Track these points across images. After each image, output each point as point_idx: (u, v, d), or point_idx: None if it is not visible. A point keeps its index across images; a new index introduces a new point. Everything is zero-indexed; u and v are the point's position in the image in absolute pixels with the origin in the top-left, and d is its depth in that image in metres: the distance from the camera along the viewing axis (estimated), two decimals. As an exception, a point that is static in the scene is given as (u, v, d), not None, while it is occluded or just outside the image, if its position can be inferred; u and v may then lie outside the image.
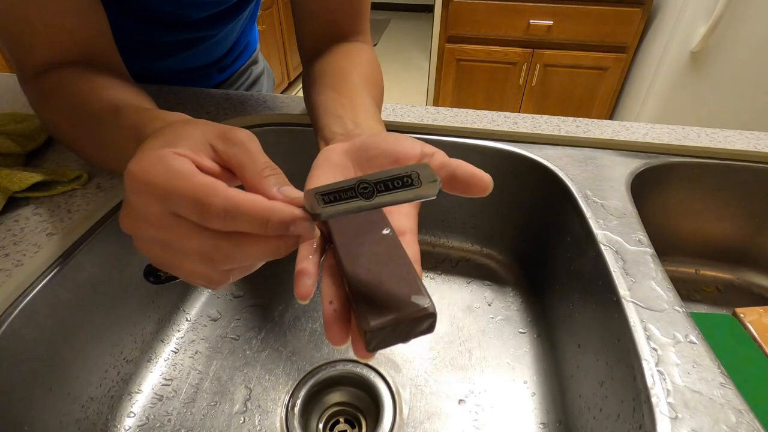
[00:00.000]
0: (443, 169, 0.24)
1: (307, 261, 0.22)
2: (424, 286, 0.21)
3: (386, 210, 0.26)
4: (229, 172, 0.23)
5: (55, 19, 0.36)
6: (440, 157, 0.26)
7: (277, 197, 0.20)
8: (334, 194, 0.19)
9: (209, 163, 0.23)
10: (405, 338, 0.20)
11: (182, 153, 0.21)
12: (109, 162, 0.35)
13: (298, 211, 0.19)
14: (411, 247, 0.24)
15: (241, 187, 0.22)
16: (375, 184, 0.18)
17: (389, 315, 0.19)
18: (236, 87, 0.72)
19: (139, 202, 0.21)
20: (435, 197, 0.17)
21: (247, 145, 0.23)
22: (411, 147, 0.27)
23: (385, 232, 0.24)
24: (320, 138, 0.35)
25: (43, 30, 0.36)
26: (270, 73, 0.81)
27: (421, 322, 0.20)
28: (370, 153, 0.29)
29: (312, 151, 0.57)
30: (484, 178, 0.23)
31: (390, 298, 0.20)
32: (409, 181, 0.17)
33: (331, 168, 0.29)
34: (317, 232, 0.21)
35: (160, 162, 0.20)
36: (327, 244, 0.24)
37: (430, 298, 0.20)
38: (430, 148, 0.27)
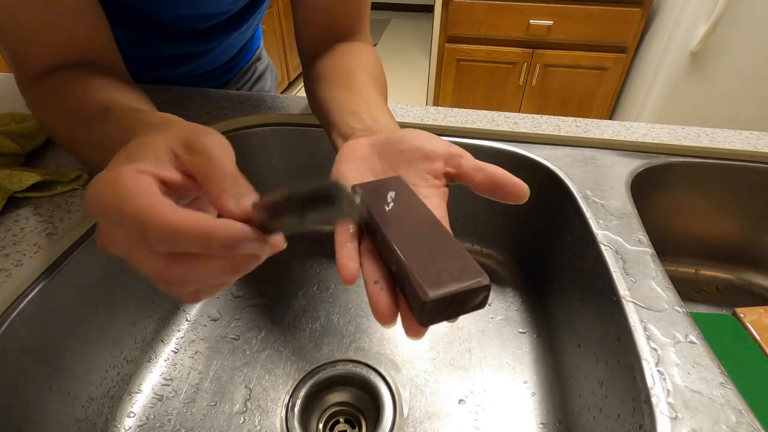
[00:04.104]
0: (480, 172, 0.25)
1: (347, 247, 0.22)
2: (474, 261, 0.20)
3: None
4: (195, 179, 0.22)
5: (55, 21, 0.36)
6: (471, 159, 0.27)
7: (233, 211, 0.20)
8: (274, 208, 0.18)
9: (173, 174, 0.22)
10: (458, 313, 0.20)
11: (143, 169, 0.21)
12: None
13: (243, 230, 0.19)
14: None
15: None
16: (302, 200, 0.17)
17: (447, 287, 0.19)
18: (240, 85, 0.71)
19: (103, 224, 0.21)
20: (355, 217, 0.16)
21: (213, 153, 0.21)
22: (439, 145, 0.28)
23: (424, 214, 0.24)
24: (336, 134, 0.35)
25: (43, 33, 0.36)
26: (273, 69, 0.81)
27: (477, 294, 0.20)
28: (399, 147, 0.29)
29: (313, 150, 0.57)
30: (524, 187, 0.24)
31: (444, 271, 0.20)
32: (331, 199, 0.16)
33: (357, 161, 0.29)
34: (278, 244, 0.21)
35: (111, 184, 0.20)
36: (363, 230, 0.25)
37: (483, 271, 0.20)
38: (456, 149, 0.28)
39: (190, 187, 0.23)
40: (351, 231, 0.24)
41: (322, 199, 0.16)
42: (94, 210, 0.21)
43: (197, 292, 0.22)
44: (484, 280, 0.19)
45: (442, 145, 0.28)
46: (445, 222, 0.25)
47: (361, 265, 0.23)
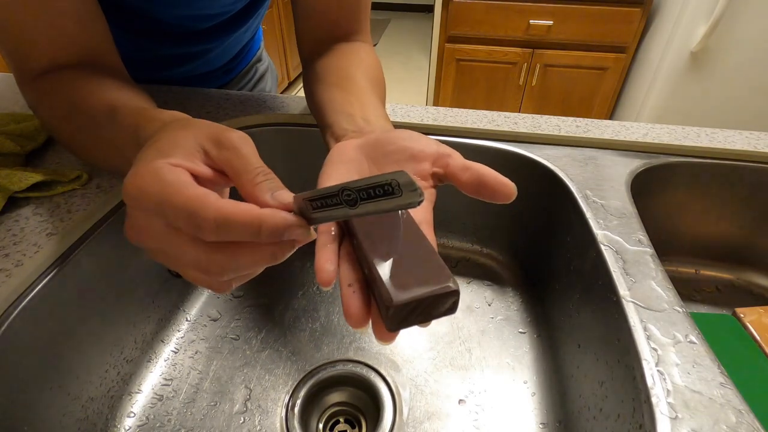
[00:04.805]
0: (467, 171, 0.25)
1: (327, 249, 0.22)
2: (446, 266, 0.20)
3: None
4: (225, 174, 0.23)
5: (54, 22, 0.36)
6: (459, 158, 0.27)
7: (270, 203, 0.20)
8: (320, 200, 0.19)
9: (204, 169, 0.23)
10: (427, 318, 0.20)
11: (177, 163, 0.22)
12: (108, 162, 0.35)
13: (290, 217, 0.19)
14: (428, 237, 0.24)
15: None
16: (357, 191, 0.17)
17: (413, 292, 0.19)
18: (241, 85, 0.72)
19: (138, 216, 0.22)
20: (417, 206, 0.16)
21: (240, 149, 0.22)
22: (427, 145, 0.28)
23: (403, 217, 0.24)
24: (329, 135, 0.36)
25: (42, 33, 0.36)
26: (273, 70, 0.81)
27: (445, 300, 0.20)
28: (386, 149, 0.29)
29: (313, 150, 0.57)
30: (510, 185, 0.24)
31: (413, 276, 0.20)
32: (390, 189, 0.16)
33: (344, 163, 0.29)
34: (314, 234, 0.21)
35: (153, 176, 0.21)
36: (344, 232, 0.24)
37: (452, 276, 0.20)
38: (445, 149, 0.28)
39: (219, 181, 0.23)
40: (333, 233, 0.24)
41: (382, 189, 0.17)
42: (135, 201, 0.21)
43: (230, 282, 0.23)
44: (453, 285, 0.19)
45: (431, 145, 0.28)
46: (427, 225, 0.25)
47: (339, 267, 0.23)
